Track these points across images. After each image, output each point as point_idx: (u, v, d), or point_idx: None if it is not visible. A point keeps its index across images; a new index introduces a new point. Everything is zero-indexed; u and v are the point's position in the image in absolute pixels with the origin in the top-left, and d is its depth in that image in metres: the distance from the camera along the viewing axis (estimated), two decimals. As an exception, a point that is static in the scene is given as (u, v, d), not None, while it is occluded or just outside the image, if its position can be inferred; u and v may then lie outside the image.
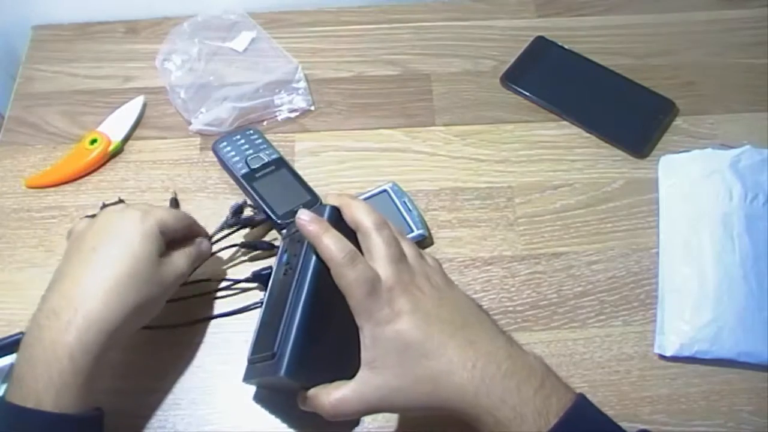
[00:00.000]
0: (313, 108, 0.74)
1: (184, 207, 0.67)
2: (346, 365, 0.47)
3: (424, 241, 0.64)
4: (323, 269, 0.48)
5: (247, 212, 0.65)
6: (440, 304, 0.47)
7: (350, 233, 0.49)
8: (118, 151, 0.71)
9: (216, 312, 0.61)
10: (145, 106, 0.74)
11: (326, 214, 0.50)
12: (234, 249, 0.64)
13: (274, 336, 0.48)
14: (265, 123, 0.72)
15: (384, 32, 0.80)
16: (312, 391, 0.48)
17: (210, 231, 0.61)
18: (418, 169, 0.70)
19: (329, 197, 0.52)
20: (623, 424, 0.45)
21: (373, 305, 0.45)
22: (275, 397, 0.57)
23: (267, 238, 0.65)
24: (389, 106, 0.74)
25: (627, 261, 0.64)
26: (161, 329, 0.59)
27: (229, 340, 0.60)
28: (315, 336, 0.48)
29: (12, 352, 0.51)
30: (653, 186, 0.67)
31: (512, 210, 0.67)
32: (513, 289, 0.63)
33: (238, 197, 0.67)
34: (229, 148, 0.68)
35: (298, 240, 0.52)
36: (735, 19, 0.80)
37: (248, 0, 0.80)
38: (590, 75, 0.75)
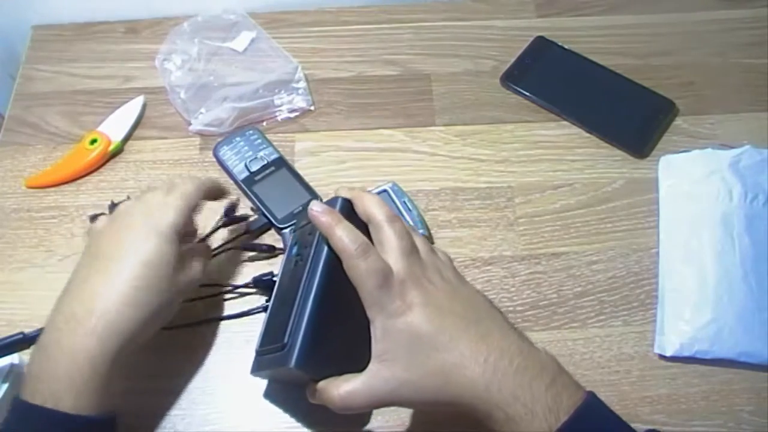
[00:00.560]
0: (313, 108, 0.74)
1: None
2: (356, 358, 0.47)
3: (424, 241, 0.64)
4: (335, 261, 0.47)
5: (242, 211, 0.65)
6: (452, 298, 0.47)
7: (361, 226, 0.49)
8: (118, 151, 0.71)
9: (216, 314, 0.61)
10: (145, 106, 0.74)
11: (338, 207, 0.50)
12: (234, 252, 0.64)
13: (284, 327, 0.48)
14: (265, 123, 0.72)
15: (384, 32, 0.80)
16: (321, 384, 0.47)
17: (209, 231, 0.61)
18: (418, 169, 0.70)
19: (341, 190, 0.52)
20: (641, 428, 0.45)
21: (385, 297, 0.45)
22: (275, 397, 0.57)
23: (267, 240, 0.65)
24: (389, 106, 0.74)
25: (627, 261, 0.64)
26: (162, 330, 0.59)
27: (229, 341, 0.60)
28: (326, 328, 0.47)
29: (12, 352, 0.51)
30: (653, 186, 0.67)
31: (512, 210, 0.67)
32: (513, 289, 0.63)
33: (239, 197, 0.67)
34: (229, 153, 0.69)
35: (309, 232, 0.51)
36: (735, 19, 0.80)
37: (248, 0, 0.80)
38: (590, 75, 0.75)
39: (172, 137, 0.72)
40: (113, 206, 0.64)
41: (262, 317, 0.54)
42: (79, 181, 0.69)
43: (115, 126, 0.71)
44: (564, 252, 0.65)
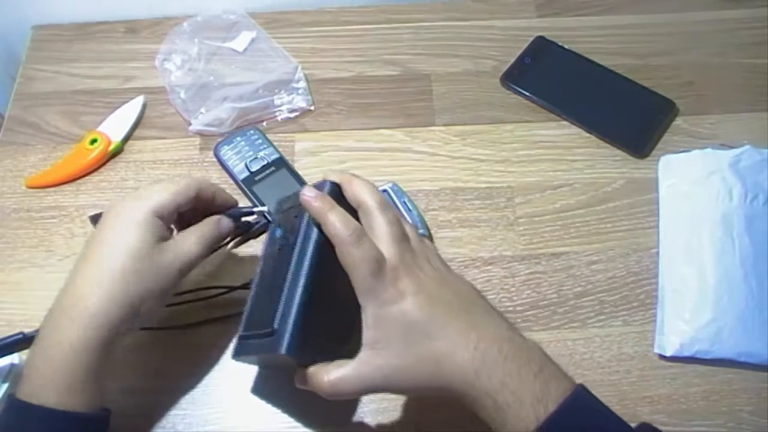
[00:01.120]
0: (313, 108, 0.74)
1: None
2: (346, 344, 0.47)
3: (424, 241, 0.64)
4: (325, 246, 0.47)
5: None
6: (442, 285, 0.47)
7: (350, 211, 0.48)
8: (118, 151, 0.71)
9: (216, 315, 0.61)
10: (145, 106, 0.74)
11: (327, 190, 0.49)
12: (234, 252, 0.64)
13: (272, 312, 0.47)
14: (265, 123, 0.72)
15: (384, 32, 0.80)
16: (311, 370, 0.47)
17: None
18: (418, 169, 0.70)
19: (329, 174, 0.51)
20: (630, 425, 0.45)
21: (378, 285, 0.45)
22: (276, 397, 0.57)
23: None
24: (389, 106, 0.74)
25: (627, 261, 0.64)
26: (162, 330, 0.59)
27: (229, 341, 0.59)
28: (315, 314, 0.47)
29: (12, 352, 0.51)
30: (653, 186, 0.67)
31: (512, 210, 0.67)
32: (513, 289, 0.63)
33: (239, 197, 0.67)
34: (229, 153, 0.69)
35: (295, 215, 0.51)
36: (735, 19, 0.80)
37: (248, 0, 0.80)
38: (590, 75, 0.75)
39: (172, 137, 0.72)
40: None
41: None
42: (79, 181, 0.69)
43: (115, 126, 0.71)
44: (564, 252, 0.65)
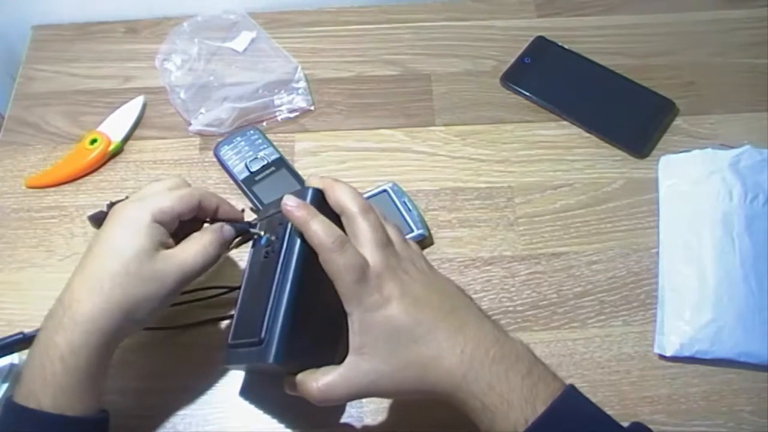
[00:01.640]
0: (313, 108, 0.74)
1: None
2: (333, 350, 0.48)
3: (424, 241, 0.64)
4: (309, 253, 0.47)
5: (247, 217, 0.64)
6: (428, 288, 0.47)
7: (333, 216, 0.48)
8: (118, 151, 0.71)
9: (216, 315, 0.61)
10: (145, 106, 0.74)
11: (309, 197, 0.49)
12: (233, 251, 0.64)
13: (259, 321, 0.47)
14: (265, 123, 0.72)
15: (384, 32, 0.80)
16: (300, 377, 0.47)
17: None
18: (418, 169, 0.70)
19: (311, 179, 0.51)
20: (625, 425, 0.45)
21: (363, 291, 0.45)
22: (276, 397, 0.57)
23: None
24: (389, 106, 0.74)
25: (627, 261, 0.64)
26: (161, 330, 0.59)
27: (229, 340, 0.60)
28: (302, 322, 0.47)
29: (12, 352, 0.51)
30: (653, 186, 0.67)
31: (512, 210, 0.67)
32: (513, 289, 0.63)
33: (239, 197, 0.67)
34: (230, 153, 0.69)
35: (279, 222, 0.51)
36: (735, 19, 0.80)
37: (248, 0, 0.80)
38: (590, 75, 0.75)
39: (172, 137, 0.72)
40: (111, 206, 0.64)
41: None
42: (79, 181, 0.69)
43: (115, 126, 0.71)
44: (564, 252, 0.65)
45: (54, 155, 0.71)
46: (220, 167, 0.69)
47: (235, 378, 0.58)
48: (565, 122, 0.72)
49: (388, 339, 0.45)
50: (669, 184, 0.66)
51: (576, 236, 0.65)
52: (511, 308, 0.62)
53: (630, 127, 0.71)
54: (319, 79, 0.76)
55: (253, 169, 0.68)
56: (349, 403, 0.57)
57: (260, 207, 0.65)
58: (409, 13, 0.81)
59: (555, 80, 0.75)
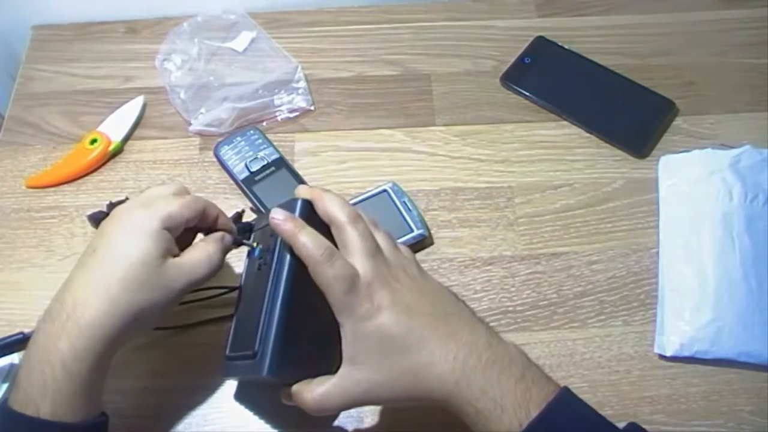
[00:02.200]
0: (313, 108, 0.74)
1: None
2: (328, 360, 0.48)
3: (424, 241, 0.64)
4: (299, 265, 0.47)
5: (247, 218, 0.64)
6: (419, 295, 0.47)
7: (322, 226, 0.48)
8: (118, 151, 0.71)
9: (216, 315, 0.61)
10: (145, 106, 0.74)
11: (297, 209, 0.49)
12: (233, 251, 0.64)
13: (253, 334, 0.47)
14: (265, 123, 0.72)
15: (384, 32, 0.80)
16: (295, 387, 0.48)
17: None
18: (418, 169, 0.70)
19: (299, 190, 0.51)
20: (622, 425, 0.45)
21: (353, 301, 0.45)
22: (276, 397, 0.57)
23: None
24: (389, 106, 0.74)
25: (627, 261, 0.64)
26: (162, 330, 0.59)
27: (229, 340, 0.60)
28: (295, 333, 0.47)
29: (12, 352, 0.51)
30: (653, 186, 0.67)
31: (512, 210, 0.67)
32: (513, 289, 0.63)
33: (239, 197, 0.67)
34: (230, 153, 0.69)
35: (270, 234, 0.50)
36: (735, 19, 0.80)
37: (248, 0, 0.80)
38: (590, 75, 0.75)
39: (172, 137, 0.72)
40: (111, 206, 0.64)
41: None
42: (79, 181, 0.69)
43: (115, 126, 0.71)
44: (564, 252, 0.65)
45: (54, 155, 0.71)
46: (220, 167, 0.69)
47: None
48: (565, 122, 0.72)
49: (380, 348, 0.45)
50: (669, 184, 0.66)
51: (576, 236, 0.65)
52: (511, 308, 0.62)
53: (630, 127, 0.71)
54: (319, 79, 0.76)
55: (253, 169, 0.68)
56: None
57: (260, 207, 0.65)
58: (409, 13, 0.81)
59: (555, 80, 0.75)
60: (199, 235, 0.54)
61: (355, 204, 0.64)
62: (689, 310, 0.59)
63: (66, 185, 0.69)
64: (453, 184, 0.69)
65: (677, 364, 0.59)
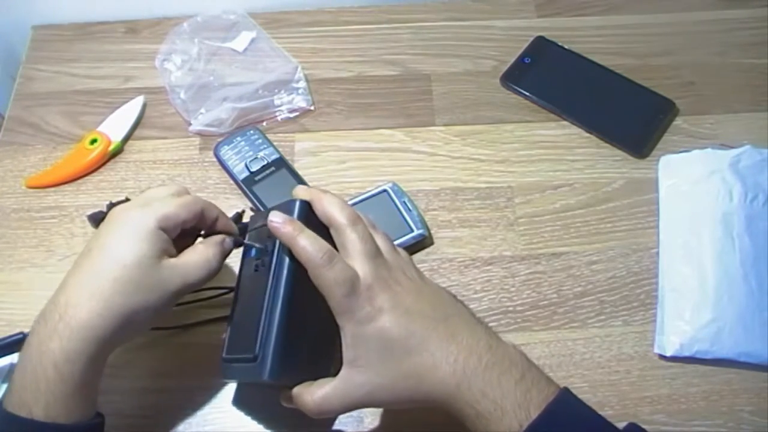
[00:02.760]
0: (313, 108, 0.74)
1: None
2: (327, 362, 0.48)
3: (424, 241, 0.64)
4: (299, 268, 0.47)
5: (247, 218, 0.64)
6: (419, 297, 0.47)
7: (321, 227, 0.48)
8: (118, 151, 0.71)
9: (216, 315, 0.61)
10: (145, 106, 0.74)
11: (296, 211, 0.49)
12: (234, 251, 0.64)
13: (253, 337, 0.47)
14: (265, 123, 0.72)
15: (384, 32, 0.80)
16: (296, 390, 0.48)
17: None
18: (418, 169, 0.70)
19: (298, 191, 0.51)
20: (622, 425, 0.45)
21: (354, 304, 0.45)
22: (276, 396, 0.57)
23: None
24: (389, 106, 0.74)
25: (627, 261, 0.64)
26: (162, 330, 0.59)
27: (229, 340, 0.60)
28: (295, 337, 0.47)
29: (12, 352, 0.51)
30: (653, 186, 0.67)
31: (512, 210, 0.67)
32: (513, 289, 0.63)
33: (239, 197, 0.67)
34: (230, 153, 0.69)
35: (268, 234, 0.50)
36: (735, 19, 0.80)
37: (248, 0, 0.80)
38: (590, 75, 0.75)
39: (172, 137, 0.72)
40: (111, 206, 0.64)
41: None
42: (79, 181, 0.69)
43: (115, 126, 0.71)
44: (564, 252, 0.65)
45: (54, 155, 0.71)
46: (220, 167, 0.69)
47: (235, 378, 0.58)
48: (565, 122, 0.72)
49: (381, 351, 0.45)
50: (669, 184, 0.66)
51: (576, 236, 0.65)
52: (511, 308, 0.62)
53: (630, 127, 0.71)
54: (319, 79, 0.76)
55: (253, 169, 0.68)
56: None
57: (260, 207, 0.65)
58: (409, 13, 0.81)
59: (555, 80, 0.75)
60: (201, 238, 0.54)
61: (355, 204, 0.64)
62: (689, 310, 0.59)
63: (66, 185, 0.69)
64: (453, 184, 0.69)
65: (677, 364, 0.59)
